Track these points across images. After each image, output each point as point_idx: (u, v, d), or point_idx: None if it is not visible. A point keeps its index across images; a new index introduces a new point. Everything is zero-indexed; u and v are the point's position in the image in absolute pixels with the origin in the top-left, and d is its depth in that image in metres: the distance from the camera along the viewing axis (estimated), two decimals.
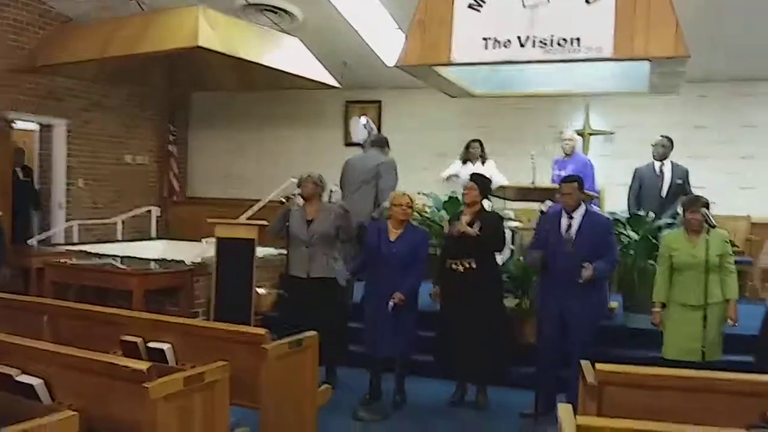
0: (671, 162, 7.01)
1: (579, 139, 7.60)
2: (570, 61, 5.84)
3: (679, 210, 6.26)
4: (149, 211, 9.33)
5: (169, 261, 6.89)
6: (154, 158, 10.64)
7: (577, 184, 4.92)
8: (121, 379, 3.09)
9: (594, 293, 4.84)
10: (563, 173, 6.93)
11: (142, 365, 3.08)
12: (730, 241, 4.80)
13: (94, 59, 7.50)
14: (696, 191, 6.95)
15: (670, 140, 7.01)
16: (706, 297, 4.56)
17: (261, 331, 3.90)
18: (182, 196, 10.86)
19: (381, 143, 6.96)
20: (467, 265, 5.07)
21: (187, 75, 9.22)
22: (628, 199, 7.14)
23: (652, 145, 7.08)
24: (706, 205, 4.72)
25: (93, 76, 8.65)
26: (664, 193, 6.89)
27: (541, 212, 5.03)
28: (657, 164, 7.02)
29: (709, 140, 8.52)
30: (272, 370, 3.84)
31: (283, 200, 5.44)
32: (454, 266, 5.12)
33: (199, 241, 7.62)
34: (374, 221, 5.13)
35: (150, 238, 9.02)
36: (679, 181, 6.92)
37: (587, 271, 4.69)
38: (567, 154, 7.33)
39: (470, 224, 5.09)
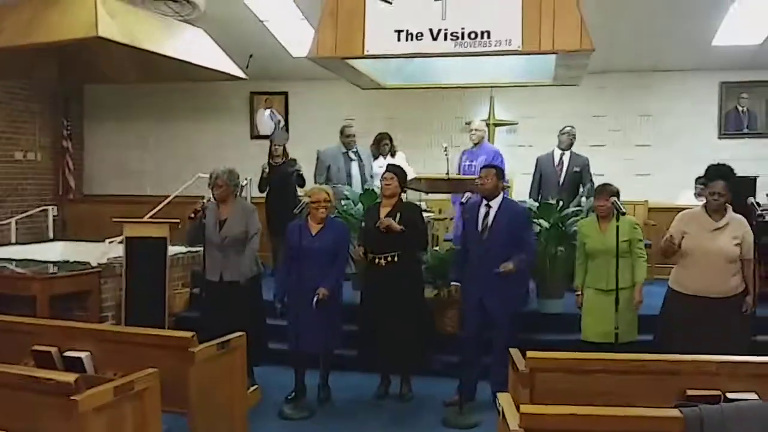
0: (571, 151, 7.27)
1: (486, 129, 7.75)
2: (481, 54, 5.95)
3: (583, 200, 6.54)
4: (44, 211, 8.83)
5: (72, 263, 6.55)
6: (47, 154, 10.05)
7: (495, 171, 5.02)
8: (46, 393, 2.91)
9: (514, 281, 4.96)
10: (475, 163, 7.07)
11: (69, 377, 2.92)
12: (639, 226, 5.04)
13: None
14: (595, 179, 7.27)
15: (574, 130, 7.29)
16: (617, 281, 4.77)
17: (187, 334, 3.77)
18: (79, 193, 10.32)
19: None
20: (389, 259, 5.09)
21: (82, 66, 8.73)
22: (531, 188, 7.36)
23: (559, 134, 7.32)
24: (616, 194, 4.94)
25: None
26: (561, 181, 7.14)
27: (461, 203, 5.10)
28: (557, 153, 7.28)
29: (607, 129, 8.91)
30: (200, 373, 3.74)
31: (192, 215, 5.19)
32: (376, 260, 5.13)
33: (102, 241, 7.29)
34: (294, 219, 5.05)
35: (47, 240, 8.53)
36: (576, 170, 7.18)
37: (508, 267, 4.80)
38: (475, 144, 7.44)
39: (389, 215, 5.11)
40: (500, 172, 5.06)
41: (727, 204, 4.59)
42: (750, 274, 4.59)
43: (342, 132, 7.69)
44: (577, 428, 2.53)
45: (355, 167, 7.57)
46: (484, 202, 5.01)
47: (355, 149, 7.61)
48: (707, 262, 4.52)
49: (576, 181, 7.16)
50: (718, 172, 4.65)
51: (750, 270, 4.59)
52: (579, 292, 5.07)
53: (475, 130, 7.44)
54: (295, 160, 7.78)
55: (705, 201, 4.68)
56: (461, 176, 6.70)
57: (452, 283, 5.19)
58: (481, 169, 5.15)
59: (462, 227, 5.18)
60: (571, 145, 7.28)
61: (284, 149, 7.76)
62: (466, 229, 5.08)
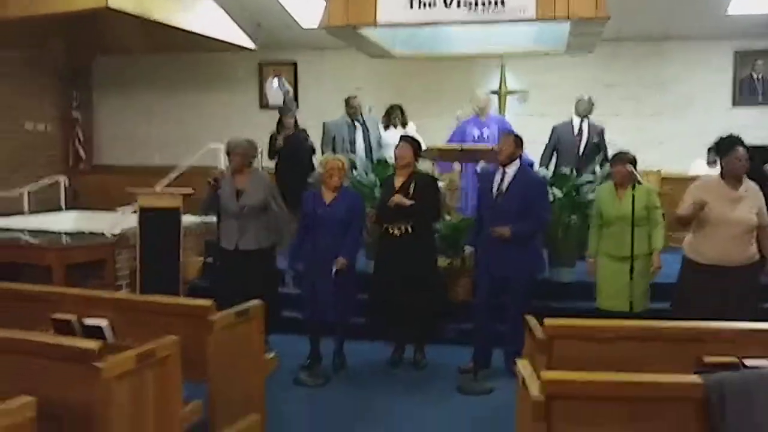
0: (589, 120, 7.23)
1: (489, 99, 7.64)
2: (494, 21, 5.92)
3: (597, 168, 6.52)
4: (56, 182, 8.84)
5: (87, 233, 6.58)
6: (57, 125, 10.05)
7: (513, 137, 5.01)
8: (70, 360, 2.94)
9: (527, 249, 4.96)
10: (487, 133, 7.03)
11: (92, 344, 2.93)
12: (655, 193, 5.02)
13: None
14: (609, 148, 7.25)
15: (592, 97, 7.24)
16: (633, 249, 4.77)
17: (206, 302, 3.78)
18: (89, 164, 10.33)
19: None
20: (404, 229, 5.10)
21: (91, 37, 8.73)
22: (542, 156, 7.30)
23: (577, 102, 7.25)
24: (633, 162, 4.91)
25: None
26: (581, 150, 7.10)
27: (476, 173, 5.10)
28: (576, 121, 7.22)
29: (620, 98, 8.83)
30: (219, 341, 3.76)
31: (211, 181, 5.20)
32: (390, 230, 5.14)
33: (113, 210, 7.32)
34: (309, 188, 5.07)
35: (60, 210, 8.56)
36: (595, 140, 7.16)
37: (503, 230, 4.80)
38: (477, 114, 7.33)
39: (404, 186, 5.11)
40: (519, 140, 5.04)
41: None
42: (766, 242, 4.57)
43: (347, 102, 7.70)
44: (599, 394, 2.54)
45: (359, 137, 7.59)
46: (501, 168, 4.99)
47: (360, 119, 7.59)
48: (727, 232, 4.49)
49: (595, 151, 7.12)
50: (733, 140, 4.62)
51: (766, 237, 4.57)
52: (591, 259, 5.06)
53: (480, 101, 7.35)
54: (305, 131, 7.77)
55: (721, 170, 4.65)
56: (475, 146, 6.66)
57: (466, 247, 5.16)
58: (501, 135, 5.12)
59: (477, 195, 5.18)
60: (588, 112, 7.22)
61: (295, 120, 7.75)
62: (480, 196, 5.08)
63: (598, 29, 6.00)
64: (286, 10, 8.61)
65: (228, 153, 5.30)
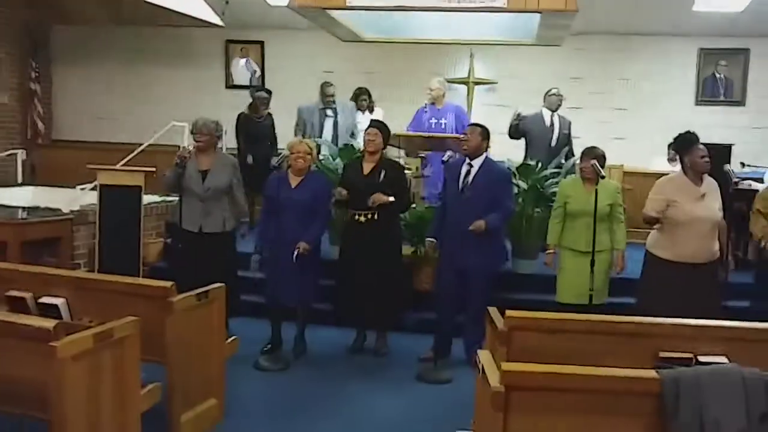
0: (558, 113, 7.28)
1: (446, 87, 7.59)
2: (465, 10, 5.90)
3: (563, 161, 6.57)
4: (13, 155, 8.62)
5: (44, 209, 6.43)
6: (14, 97, 9.77)
7: (480, 129, 5.01)
8: (24, 339, 2.88)
9: (491, 241, 4.98)
10: (444, 121, 7.03)
11: (48, 323, 2.88)
12: (621, 191, 5.09)
13: None
14: (573, 141, 7.32)
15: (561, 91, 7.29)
16: (594, 244, 4.82)
17: (167, 283, 3.74)
18: (48, 138, 10.08)
19: None
20: (370, 216, 5.08)
21: (47, 5, 8.43)
22: (510, 130, 7.26)
23: (547, 96, 7.28)
24: (602, 157, 4.96)
25: None
26: (553, 143, 7.14)
27: (443, 162, 5.09)
28: (547, 114, 7.25)
29: (586, 92, 8.89)
30: (178, 323, 3.73)
31: (178, 161, 5.10)
32: (356, 217, 5.12)
33: (71, 187, 7.17)
34: (275, 171, 5.01)
35: (17, 184, 8.35)
36: (566, 132, 7.22)
37: (479, 224, 4.82)
38: (432, 103, 7.28)
39: (373, 172, 5.09)
40: (486, 132, 5.04)
41: None
42: (725, 239, 4.67)
43: (321, 89, 7.66)
44: (557, 386, 2.58)
45: (329, 123, 7.61)
46: (467, 160, 4.99)
47: (333, 106, 7.56)
48: (697, 229, 4.56)
49: (565, 143, 7.17)
50: (692, 137, 4.69)
51: (725, 235, 4.66)
52: (551, 251, 5.09)
53: (431, 89, 7.29)
54: (271, 116, 7.78)
55: (683, 167, 4.71)
56: (441, 135, 6.65)
57: (428, 239, 5.16)
58: (468, 126, 5.11)
59: (443, 185, 5.18)
60: (559, 106, 7.27)
61: (267, 105, 7.74)
62: (446, 187, 5.08)
63: (567, 22, 6.03)
64: None
65: (193, 132, 5.20)
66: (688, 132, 4.76)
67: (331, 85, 7.71)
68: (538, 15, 5.98)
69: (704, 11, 8.00)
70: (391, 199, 5.04)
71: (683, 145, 4.73)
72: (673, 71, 8.83)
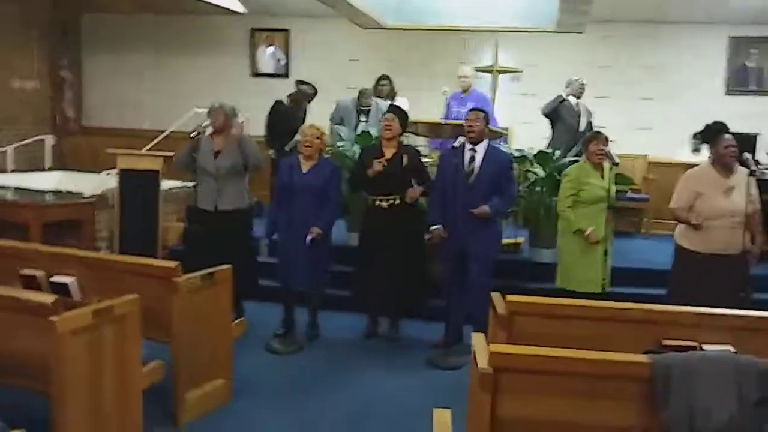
0: (582, 102, 7.20)
1: (473, 75, 7.57)
2: None
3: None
4: (41, 141, 8.80)
5: (67, 193, 6.56)
6: (45, 84, 9.95)
7: (483, 114, 4.94)
8: (26, 313, 2.95)
9: (491, 225, 4.93)
10: (464, 110, 6.99)
11: (47, 298, 2.96)
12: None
13: None
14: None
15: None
16: (606, 229, 4.76)
17: (171, 264, 3.80)
18: (77, 124, 10.27)
19: None
20: (392, 202, 5.07)
21: None
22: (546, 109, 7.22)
23: (571, 83, 7.19)
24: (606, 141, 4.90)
25: None
26: (581, 128, 7.06)
27: (454, 148, 5.04)
28: (573, 101, 7.17)
29: (611, 81, 8.74)
30: (184, 303, 3.78)
31: (192, 135, 5.18)
32: (378, 202, 5.11)
33: (98, 172, 7.29)
34: (286, 156, 5.04)
35: (44, 169, 8.53)
36: (591, 120, 7.15)
37: (483, 209, 4.78)
38: (464, 90, 7.31)
39: (394, 158, 5.08)
40: (487, 117, 4.98)
41: None
42: (756, 226, 4.55)
43: (359, 97, 7.57)
44: (545, 369, 2.56)
45: (362, 126, 7.56)
46: (469, 146, 4.93)
47: (368, 111, 7.54)
48: (725, 222, 4.47)
49: (588, 131, 7.09)
50: (720, 127, 4.59)
51: (756, 222, 4.55)
52: (588, 229, 4.88)
53: (463, 77, 7.31)
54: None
55: (711, 159, 4.61)
56: (458, 122, 6.60)
57: (434, 227, 5.08)
58: (469, 111, 5.04)
59: (438, 171, 5.12)
60: (582, 94, 7.19)
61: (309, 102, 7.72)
62: (443, 172, 5.01)
63: (586, 7, 5.95)
64: None
65: (209, 114, 5.25)
66: (716, 122, 4.66)
67: (369, 96, 7.62)
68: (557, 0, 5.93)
69: None
70: (422, 189, 5.04)
71: (710, 135, 4.63)
72: (702, 60, 8.63)
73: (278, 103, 7.79)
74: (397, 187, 5.08)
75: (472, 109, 5.03)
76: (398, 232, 5.10)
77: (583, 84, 7.21)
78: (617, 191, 4.93)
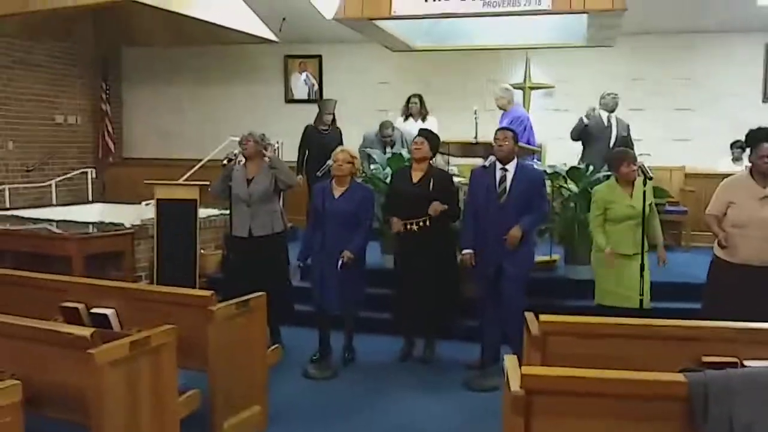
0: (616, 115, 7.13)
1: (512, 93, 7.53)
2: (509, 14, 5.87)
3: None
4: (84, 173, 9.03)
5: (108, 224, 6.71)
6: (87, 118, 10.24)
7: (511, 134, 4.93)
8: (65, 346, 3.02)
9: (524, 244, 4.89)
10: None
11: (86, 331, 3.01)
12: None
13: (17, 14, 7.14)
14: (633, 143, 7.13)
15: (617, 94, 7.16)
16: (643, 246, 4.68)
17: (207, 293, 3.85)
18: (118, 156, 10.53)
19: None
20: (422, 224, 5.08)
21: (116, 29, 8.85)
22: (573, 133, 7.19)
23: (604, 97, 7.14)
24: (634, 159, 4.84)
25: (16, 31, 8.23)
26: (611, 144, 6.99)
27: (484, 167, 5.04)
28: (605, 116, 7.11)
29: (646, 92, 8.68)
30: (220, 332, 3.82)
31: (225, 162, 5.31)
32: (408, 226, 5.13)
33: (138, 203, 7.44)
34: (319, 181, 5.10)
35: (86, 202, 8.75)
36: (624, 134, 7.07)
37: (515, 235, 4.75)
38: (503, 110, 7.29)
39: (422, 180, 5.10)
40: (516, 136, 4.97)
41: None
42: None
43: (381, 126, 7.65)
44: (579, 390, 2.51)
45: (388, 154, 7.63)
46: (499, 165, 4.92)
47: (392, 143, 7.61)
48: (759, 231, 4.37)
49: (623, 145, 6.98)
50: (761, 135, 4.50)
51: None
52: (609, 250, 4.81)
53: (499, 98, 7.30)
54: (339, 129, 7.80)
55: (749, 166, 4.53)
56: (489, 140, 6.59)
57: (464, 251, 5.05)
58: (497, 131, 5.03)
59: (470, 193, 5.11)
60: (615, 108, 7.13)
61: (333, 117, 7.77)
62: (474, 194, 5.01)
63: (616, 21, 5.90)
64: (310, 2, 8.63)
65: (240, 143, 5.36)
66: (760, 128, 4.56)
67: (389, 126, 7.68)
68: (585, 16, 5.90)
69: None
70: (446, 206, 5.04)
71: (750, 142, 4.55)
72: (738, 68, 8.51)
73: (308, 126, 7.87)
74: (425, 210, 5.09)
75: (501, 128, 5.03)
76: (428, 254, 5.10)
77: (615, 98, 7.15)
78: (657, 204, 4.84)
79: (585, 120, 7.08)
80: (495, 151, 4.91)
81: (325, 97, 9.65)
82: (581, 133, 7.12)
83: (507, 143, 4.86)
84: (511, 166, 4.89)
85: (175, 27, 8.29)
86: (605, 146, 6.97)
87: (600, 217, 4.90)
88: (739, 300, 4.30)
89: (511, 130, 4.99)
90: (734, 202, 4.45)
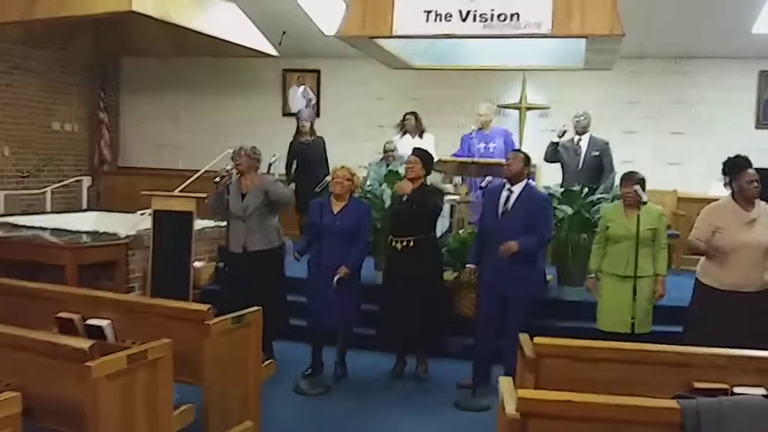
0: (590, 135, 7.15)
1: (492, 113, 7.63)
2: (509, 36, 5.91)
3: (613, 185, 6.46)
4: (79, 181, 9.02)
5: (102, 234, 6.71)
6: (84, 126, 10.23)
7: (523, 156, 5.01)
8: (62, 358, 3.02)
9: (530, 267, 4.94)
10: (492, 145, 7.07)
11: (84, 344, 3.02)
12: (665, 216, 4.98)
13: (19, 21, 7.15)
14: (625, 165, 7.14)
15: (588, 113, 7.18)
16: (636, 270, 4.73)
17: (203, 307, 3.86)
18: (114, 165, 10.51)
19: None
20: (405, 243, 5.13)
21: (117, 39, 8.89)
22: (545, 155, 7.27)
23: (575, 117, 7.18)
24: (641, 182, 4.88)
25: (16, 38, 8.25)
26: (579, 166, 7.03)
27: (481, 188, 5.10)
28: (575, 138, 7.16)
29: (641, 116, 8.75)
30: (215, 346, 3.82)
31: (217, 180, 5.34)
32: (393, 243, 5.19)
33: (133, 212, 7.45)
34: (317, 197, 5.15)
35: (81, 210, 8.73)
36: (596, 153, 7.02)
37: (510, 245, 4.78)
38: (480, 128, 7.34)
39: (408, 198, 5.15)
40: (527, 158, 5.03)
41: None
42: None
43: (385, 151, 7.78)
44: (574, 415, 2.54)
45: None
46: (507, 185, 4.99)
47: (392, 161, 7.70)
48: (744, 257, 4.42)
49: (596, 166, 7.02)
50: (741, 162, 4.57)
51: None
52: (593, 275, 5.01)
53: (482, 115, 7.36)
54: (322, 138, 7.90)
55: (732, 192, 4.59)
56: (486, 160, 6.66)
57: (467, 265, 5.16)
58: (510, 152, 5.12)
59: (481, 211, 5.19)
60: (586, 129, 7.14)
61: (311, 127, 7.86)
62: (484, 212, 5.08)
63: (615, 46, 5.95)
64: (310, 18, 8.70)
65: (233, 158, 5.40)
66: (738, 156, 4.64)
67: (391, 142, 7.86)
68: (584, 40, 5.95)
69: (764, 33, 7.80)
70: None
71: (732, 169, 4.61)
72: (731, 94, 8.59)
73: (292, 140, 8.04)
74: (409, 228, 5.15)
75: (513, 150, 5.11)
76: (412, 272, 5.15)
77: (584, 118, 7.13)
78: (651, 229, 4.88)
79: (554, 140, 7.12)
80: (504, 172, 4.99)
81: (322, 110, 9.72)
82: (553, 154, 7.18)
83: (516, 164, 4.94)
84: (517, 188, 4.95)
85: (176, 39, 8.33)
86: (574, 167, 7.03)
87: (601, 235, 4.97)
88: (722, 326, 4.34)
89: (523, 153, 5.08)
90: (722, 228, 4.50)
